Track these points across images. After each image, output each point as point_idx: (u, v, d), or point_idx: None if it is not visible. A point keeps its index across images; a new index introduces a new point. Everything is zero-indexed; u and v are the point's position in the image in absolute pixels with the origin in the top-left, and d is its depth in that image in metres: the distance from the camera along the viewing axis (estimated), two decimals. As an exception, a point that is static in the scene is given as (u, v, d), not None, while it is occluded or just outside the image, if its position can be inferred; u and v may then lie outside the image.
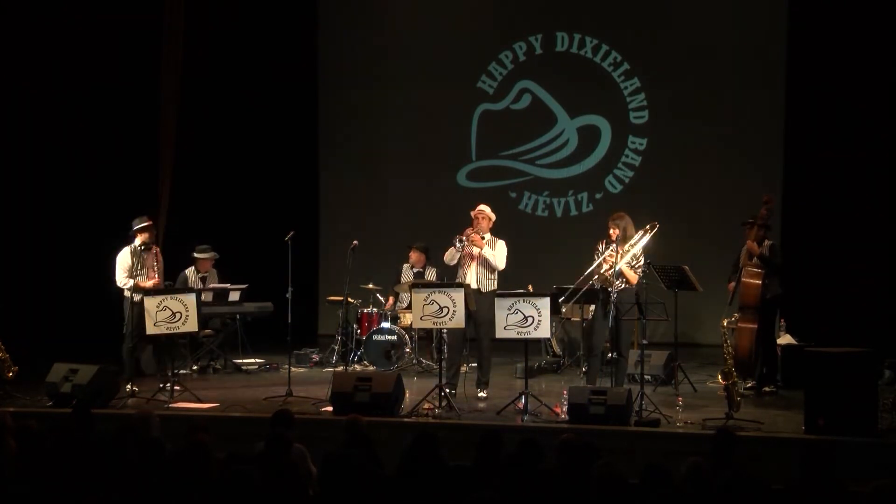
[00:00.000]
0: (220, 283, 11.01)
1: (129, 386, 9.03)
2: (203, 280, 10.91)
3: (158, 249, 10.01)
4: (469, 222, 9.26)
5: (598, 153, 13.65)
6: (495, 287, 9.02)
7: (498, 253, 9.08)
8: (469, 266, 9.06)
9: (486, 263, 9.04)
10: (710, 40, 13.16)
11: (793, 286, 10.38)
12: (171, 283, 10.50)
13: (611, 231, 8.73)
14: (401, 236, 12.66)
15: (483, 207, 9.27)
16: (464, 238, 9.02)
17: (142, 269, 9.60)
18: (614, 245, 8.61)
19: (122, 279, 9.61)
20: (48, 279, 11.66)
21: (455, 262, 9.16)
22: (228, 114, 13.33)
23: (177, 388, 8.88)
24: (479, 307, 8.82)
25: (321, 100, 14.29)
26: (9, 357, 9.16)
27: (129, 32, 12.16)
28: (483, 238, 9.09)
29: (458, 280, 9.04)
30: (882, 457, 7.01)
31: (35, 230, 11.66)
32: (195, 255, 10.94)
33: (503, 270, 9.21)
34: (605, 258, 8.68)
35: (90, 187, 12.00)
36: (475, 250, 9.03)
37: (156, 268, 9.76)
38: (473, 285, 8.94)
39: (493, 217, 9.25)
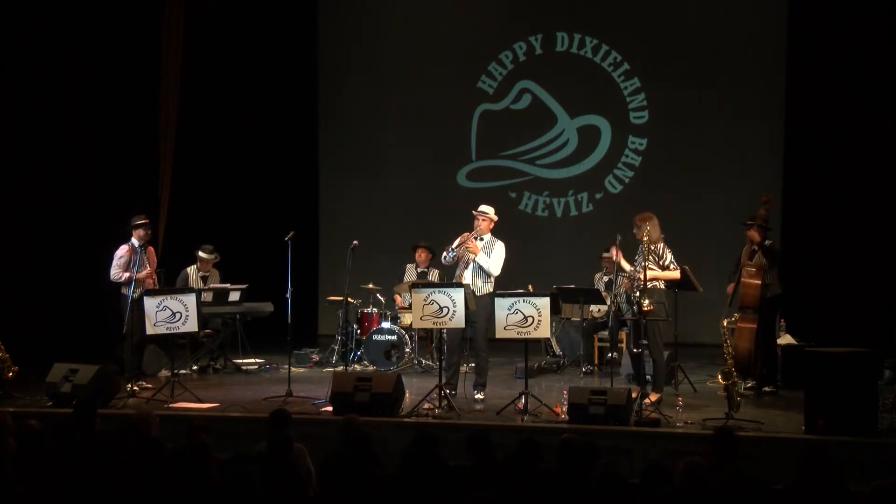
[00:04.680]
0: (220, 283, 11.01)
1: (129, 385, 9.02)
2: (204, 279, 10.91)
3: (153, 249, 10.07)
4: (469, 221, 9.23)
5: (598, 153, 13.66)
6: (490, 290, 8.98)
7: (493, 259, 9.00)
8: (466, 268, 9.02)
9: (481, 268, 9.00)
10: (710, 40, 13.18)
11: (793, 286, 10.37)
12: (162, 270, 10.51)
13: (635, 231, 8.73)
14: (401, 236, 12.67)
15: (485, 209, 9.18)
16: (454, 247, 8.99)
17: (139, 266, 9.59)
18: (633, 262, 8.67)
19: (115, 274, 9.62)
20: (48, 279, 11.65)
21: (447, 261, 9.16)
22: (228, 114, 13.33)
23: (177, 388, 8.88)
24: (475, 309, 8.81)
25: (321, 100, 14.31)
26: (9, 357, 9.16)
27: (129, 32, 12.15)
28: (482, 240, 9.05)
29: (455, 280, 9.03)
30: (882, 457, 7.01)
31: (35, 230, 11.65)
32: (200, 254, 10.94)
33: (500, 274, 9.16)
34: (623, 282, 8.74)
35: (90, 187, 11.99)
36: (469, 256, 8.99)
37: (146, 262, 9.79)
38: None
39: (496, 219, 9.18)
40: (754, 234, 9.45)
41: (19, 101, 11.54)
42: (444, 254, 9.13)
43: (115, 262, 9.65)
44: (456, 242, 9.05)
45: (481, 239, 9.05)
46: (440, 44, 13.97)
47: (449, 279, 9.55)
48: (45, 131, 11.76)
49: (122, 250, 9.68)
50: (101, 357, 9.19)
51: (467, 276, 8.97)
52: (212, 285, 10.89)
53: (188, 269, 10.94)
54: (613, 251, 9.08)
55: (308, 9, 14.18)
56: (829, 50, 12.30)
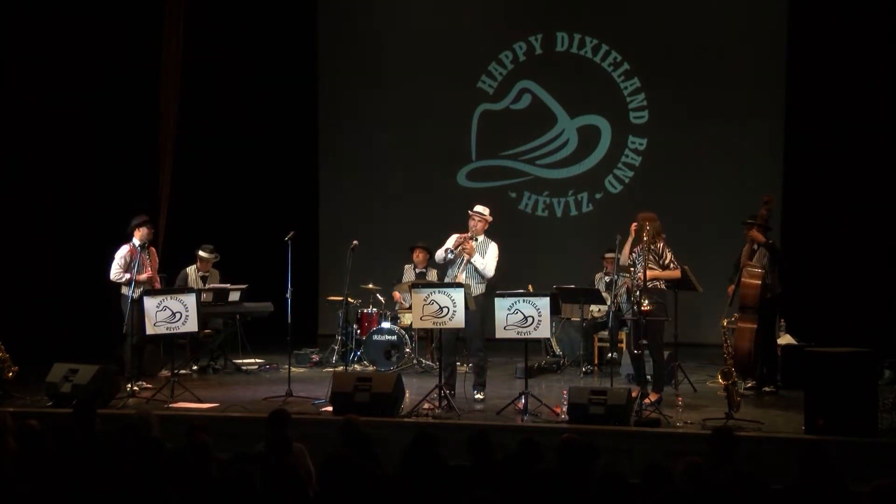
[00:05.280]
0: (220, 283, 11.01)
1: (129, 385, 9.02)
2: (204, 279, 10.91)
3: (154, 249, 10.07)
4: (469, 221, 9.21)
5: (598, 153, 13.66)
6: (483, 290, 8.96)
7: (488, 261, 8.94)
8: (461, 268, 9.00)
9: (476, 269, 8.98)
10: (710, 40, 13.18)
11: (793, 286, 10.38)
12: (166, 276, 10.51)
13: (633, 225, 8.71)
14: (401, 236, 12.66)
15: (481, 209, 9.14)
16: (451, 247, 8.96)
17: (139, 267, 9.60)
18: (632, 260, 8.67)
19: (116, 273, 9.62)
20: (48, 279, 11.65)
21: (444, 261, 9.13)
22: (228, 114, 13.33)
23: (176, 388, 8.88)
24: (475, 309, 8.80)
25: (321, 100, 14.31)
26: (9, 357, 9.16)
27: (129, 32, 12.15)
28: (476, 240, 9.02)
29: (448, 280, 9.02)
30: (882, 457, 7.01)
31: (35, 230, 11.65)
32: (200, 253, 10.94)
33: (496, 274, 9.13)
34: (625, 282, 8.75)
35: (90, 187, 11.99)
36: (465, 256, 8.97)
37: (148, 263, 9.81)
38: None
39: (490, 219, 9.13)
40: (757, 234, 9.44)
41: (20, 101, 11.54)
42: (443, 253, 9.07)
43: (115, 262, 9.64)
44: (451, 242, 9.01)
45: (475, 240, 9.01)
46: (440, 44, 13.97)
47: (442, 276, 9.53)
48: (46, 131, 11.76)
49: (124, 250, 9.68)
50: (101, 357, 9.19)
51: (461, 278, 8.94)
52: (212, 285, 10.90)
53: (188, 269, 10.95)
54: (626, 251, 8.93)
55: (308, 9, 14.18)
56: (829, 50, 12.30)
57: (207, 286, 10.80)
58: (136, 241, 9.68)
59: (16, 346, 9.39)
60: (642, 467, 4.97)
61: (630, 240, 8.77)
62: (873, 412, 7.45)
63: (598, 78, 13.58)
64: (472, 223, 9.03)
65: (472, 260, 8.90)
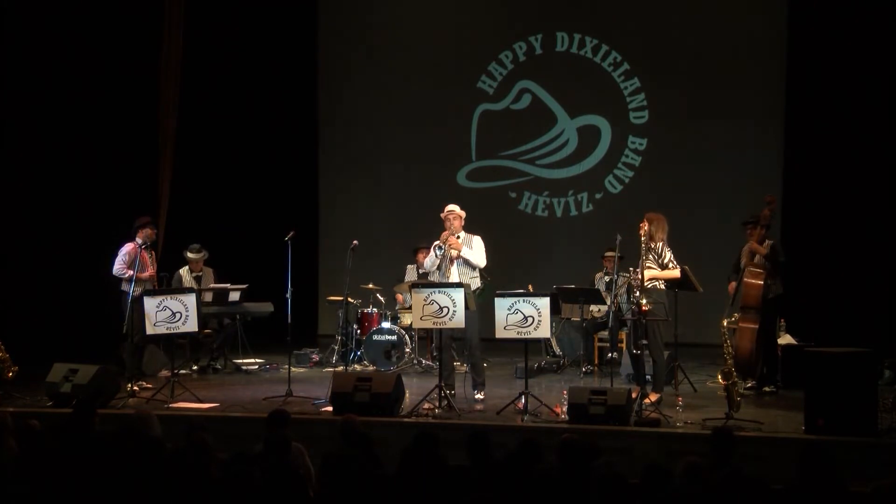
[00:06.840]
0: (218, 282, 11.01)
1: (129, 385, 9.02)
2: (198, 280, 10.91)
3: (153, 252, 10.17)
4: (469, 221, 9.22)
5: (598, 153, 13.67)
6: (479, 284, 9.01)
7: (476, 251, 9.02)
8: (450, 269, 9.00)
9: (466, 263, 8.99)
10: (710, 40, 13.18)
11: (793, 286, 10.37)
12: (166, 275, 10.53)
13: (641, 225, 8.69)
14: (401, 236, 12.68)
15: (452, 207, 9.18)
16: (442, 245, 8.99)
17: (141, 265, 9.67)
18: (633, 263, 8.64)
19: (119, 269, 9.74)
20: (48, 279, 11.65)
21: (435, 267, 9.12)
22: (228, 114, 13.33)
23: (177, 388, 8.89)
24: (475, 308, 8.79)
25: (321, 100, 14.31)
26: (9, 357, 9.16)
27: (128, 33, 12.15)
28: (458, 237, 9.04)
29: (438, 280, 9.01)
30: (882, 457, 7.01)
31: (35, 230, 11.65)
32: (188, 255, 10.95)
33: (491, 267, 9.16)
34: (630, 280, 8.74)
35: (90, 187, 11.99)
36: (453, 253, 8.99)
37: (149, 262, 9.94)
38: None
39: (464, 214, 9.17)
40: (758, 248, 9.39)
41: (20, 102, 11.54)
42: (430, 257, 9.09)
43: (119, 258, 9.77)
44: (429, 259, 9.03)
45: (458, 237, 9.04)
46: (440, 44, 13.98)
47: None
48: (46, 132, 11.76)
49: (128, 247, 9.83)
50: (101, 357, 9.19)
51: (453, 277, 8.95)
52: (211, 285, 10.90)
53: (181, 271, 10.93)
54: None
55: (309, 9, 14.19)
56: (829, 50, 12.29)
57: (203, 286, 10.80)
58: (139, 240, 9.79)
59: (16, 346, 9.40)
60: (642, 467, 4.97)
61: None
62: (873, 412, 7.45)
63: (598, 78, 13.59)
64: (448, 224, 9.07)
65: (461, 254, 8.93)
